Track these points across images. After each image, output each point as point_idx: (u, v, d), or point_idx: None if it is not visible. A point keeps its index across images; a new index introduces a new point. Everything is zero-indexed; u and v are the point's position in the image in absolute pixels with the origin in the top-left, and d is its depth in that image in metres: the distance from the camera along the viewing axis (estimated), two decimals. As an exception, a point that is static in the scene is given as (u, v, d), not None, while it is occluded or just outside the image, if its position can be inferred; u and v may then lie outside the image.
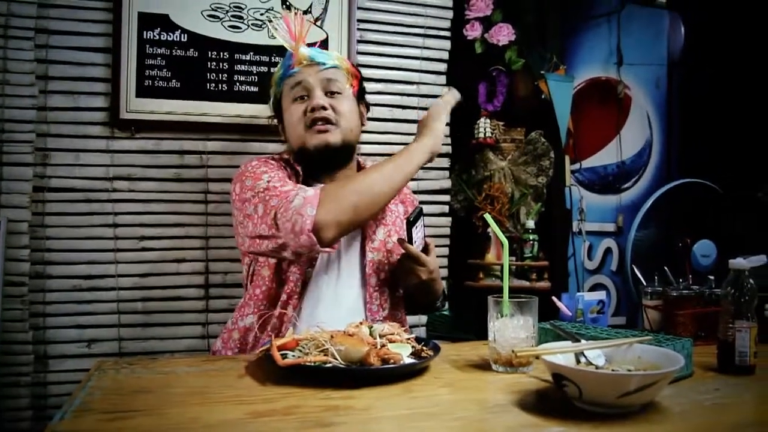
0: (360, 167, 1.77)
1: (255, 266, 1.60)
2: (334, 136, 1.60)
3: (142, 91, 2.12)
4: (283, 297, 1.53)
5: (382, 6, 2.44)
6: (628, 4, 2.86)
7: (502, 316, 1.22)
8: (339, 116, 1.61)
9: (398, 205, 1.78)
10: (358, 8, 2.36)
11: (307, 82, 1.62)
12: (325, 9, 2.31)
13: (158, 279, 2.17)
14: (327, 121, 1.59)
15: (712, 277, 1.63)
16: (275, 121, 1.79)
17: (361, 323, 1.27)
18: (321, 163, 1.64)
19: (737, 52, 2.99)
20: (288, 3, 2.28)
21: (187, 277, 2.20)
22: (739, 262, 1.29)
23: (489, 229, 2.38)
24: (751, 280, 1.29)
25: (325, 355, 1.12)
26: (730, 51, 2.99)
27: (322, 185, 1.48)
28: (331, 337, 1.16)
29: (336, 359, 1.12)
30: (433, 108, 1.72)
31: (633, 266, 1.75)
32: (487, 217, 1.34)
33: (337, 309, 1.55)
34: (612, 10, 2.84)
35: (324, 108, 1.59)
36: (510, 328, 1.21)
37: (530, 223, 2.43)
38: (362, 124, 1.76)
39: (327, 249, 1.40)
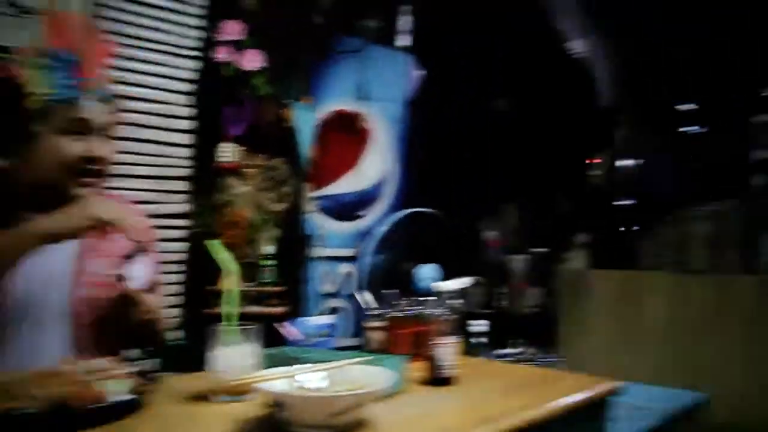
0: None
1: None
2: (97, 191, 1.42)
3: None
4: None
5: (127, 18, 2.31)
6: (372, 45, 3.08)
7: (224, 344, 1.21)
8: (106, 166, 1.43)
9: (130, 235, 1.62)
10: (100, 17, 2.20)
11: (93, 122, 1.37)
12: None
13: None
14: (98, 173, 1.41)
15: (430, 299, 1.81)
16: None
17: (66, 360, 1.15)
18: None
19: (466, 93, 3.40)
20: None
21: None
22: (444, 285, 1.45)
23: (216, 256, 2.33)
24: (456, 301, 1.45)
25: (16, 400, 0.99)
26: (459, 92, 3.39)
27: None
28: (26, 378, 1.03)
29: (33, 404, 0.99)
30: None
31: (363, 290, 1.86)
32: (211, 244, 1.31)
33: (39, 355, 1.35)
34: (357, 48, 3.03)
35: (102, 161, 1.40)
36: (232, 356, 1.20)
37: (269, 249, 2.45)
38: None
39: None
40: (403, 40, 3.32)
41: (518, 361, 2.51)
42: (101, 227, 1.30)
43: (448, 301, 1.44)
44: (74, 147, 1.35)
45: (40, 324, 1.38)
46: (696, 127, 3.05)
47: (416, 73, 3.34)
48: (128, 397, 1.10)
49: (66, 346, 1.41)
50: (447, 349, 1.40)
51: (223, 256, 1.31)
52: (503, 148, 3.51)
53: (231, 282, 1.26)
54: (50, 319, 1.40)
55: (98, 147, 1.38)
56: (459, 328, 1.44)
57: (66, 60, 1.38)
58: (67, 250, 1.41)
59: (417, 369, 1.46)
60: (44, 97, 1.33)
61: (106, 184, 1.45)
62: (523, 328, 2.91)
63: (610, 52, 3.33)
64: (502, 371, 1.64)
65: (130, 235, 1.41)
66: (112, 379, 1.14)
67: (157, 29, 2.40)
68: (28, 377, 1.04)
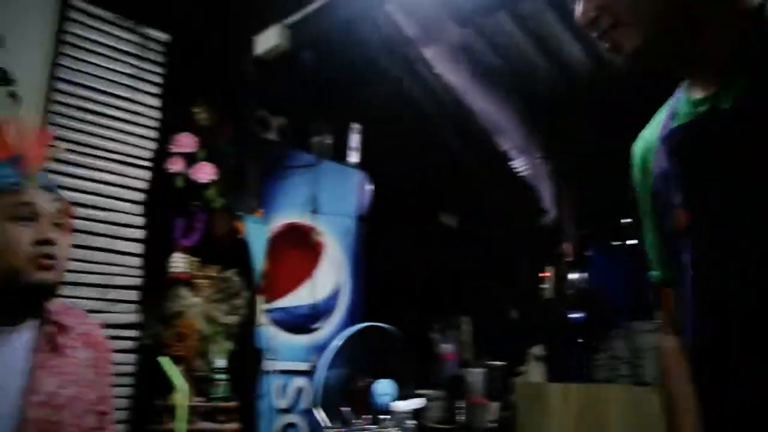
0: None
1: None
2: (55, 276, 1.38)
3: None
4: None
5: (80, 126, 2.32)
6: (325, 160, 3.16)
7: None
8: (61, 255, 1.40)
9: (83, 350, 1.49)
10: (53, 124, 2.20)
11: (40, 207, 1.38)
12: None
13: None
14: (52, 257, 1.37)
15: (388, 417, 1.74)
16: None
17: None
18: (17, 301, 1.37)
19: (415, 208, 3.48)
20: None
21: None
22: (399, 405, 1.40)
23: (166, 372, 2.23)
24: (412, 420, 1.40)
25: None
26: (410, 207, 3.48)
27: None
28: None
29: None
30: None
31: (316, 409, 1.78)
32: (163, 361, 1.25)
33: None
34: (310, 163, 3.10)
35: (54, 243, 1.37)
36: None
37: (221, 362, 2.35)
38: None
39: None
40: (354, 157, 3.42)
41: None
42: None
43: (404, 421, 1.38)
44: (25, 233, 1.34)
45: None
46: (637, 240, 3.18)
47: (367, 188, 3.41)
48: None
49: None
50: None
51: (173, 372, 1.25)
52: (454, 261, 3.56)
53: (181, 398, 1.19)
54: None
55: (49, 230, 1.37)
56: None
57: (8, 159, 1.40)
58: (18, 362, 1.34)
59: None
60: None
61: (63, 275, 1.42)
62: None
63: (550, 170, 3.50)
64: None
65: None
66: None
67: (110, 138, 2.40)
68: None
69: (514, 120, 3.38)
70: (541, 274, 3.51)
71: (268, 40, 2.80)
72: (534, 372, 3.12)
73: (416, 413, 1.41)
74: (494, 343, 3.40)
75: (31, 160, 1.43)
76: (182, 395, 1.20)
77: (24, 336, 1.39)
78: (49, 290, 1.39)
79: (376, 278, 3.32)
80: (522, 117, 3.38)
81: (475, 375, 3.20)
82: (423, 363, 3.20)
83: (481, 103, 3.30)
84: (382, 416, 1.71)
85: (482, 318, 3.53)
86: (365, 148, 3.44)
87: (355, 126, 3.42)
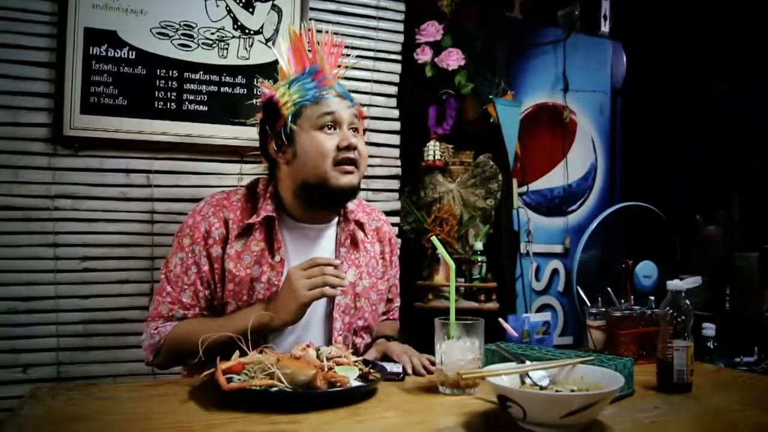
0: (356, 223, 1.66)
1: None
2: (355, 178, 1.52)
3: (87, 108, 2.07)
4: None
5: (333, 29, 2.44)
6: (573, 33, 2.96)
7: (448, 338, 1.23)
8: (361, 159, 1.53)
9: (375, 245, 1.70)
10: (309, 30, 2.37)
11: (340, 115, 1.51)
12: (277, 30, 2.32)
13: (100, 301, 2.10)
14: (354, 162, 1.51)
15: (652, 298, 1.68)
16: (275, 143, 1.55)
17: (307, 346, 1.25)
18: (326, 203, 1.55)
19: (677, 79, 3.12)
20: (239, 23, 2.27)
21: (130, 298, 2.14)
22: (675, 284, 1.34)
23: (438, 251, 2.40)
24: (687, 301, 1.33)
25: (271, 378, 1.11)
26: (671, 78, 3.13)
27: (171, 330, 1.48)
28: (278, 360, 1.15)
29: (282, 383, 1.10)
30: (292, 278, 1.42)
31: (578, 287, 1.79)
32: (435, 239, 1.35)
33: (307, 324, 1.51)
34: (558, 38, 2.93)
35: (355, 148, 1.51)
36: (457, 350, 1.22)
37: (478, 245, 2.46)
38: None
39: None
40: (606, 26, 3.14)
41: (753, 371, 2.24)
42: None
43: (677, 302, 1.32)
44: (330, 139, 1.49)
45: (303, 326, 1.52)
46: None
47: (622, 60, 3.14)
48: (361, 383, 1.17)
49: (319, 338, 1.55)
50: (680, 353, 1.29)
51: (444, 252, 1.34)
52: (723, 134, 3.16)
53: (449, 277, 1.28)
54: (312, 322, 1.54)
55: (351, 136, 1.51)
56: (689, 332, 1.32)
57: (306, 70, 1.57)
58: (327, 255, 1.58)
59: (644, 372, 1.37)
60: (295, 102, 1.51)
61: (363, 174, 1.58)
62: (757, 335, 2.60)
63: None
64: (738, 381, 1.48)
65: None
66: (344, 366, 1.22)
67: (363, 37, 2.52)
68: (281, 360, 1.15)
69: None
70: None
71: None
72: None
73: (688, 294, 1.33)
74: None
75: (327, 69, 1.58)
76: (451, 274, 1.29)
77: (330, 232, 1.61)
78: (353, 192, 1.54)
79: (634, 156, 3.12)
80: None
81: (749, 259, 2.90)
82: (687, 245, 2.98)
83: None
84: (650, 297, 1.65)
85: (755, 196, 3.13)
86: (618, 15, 3.14)
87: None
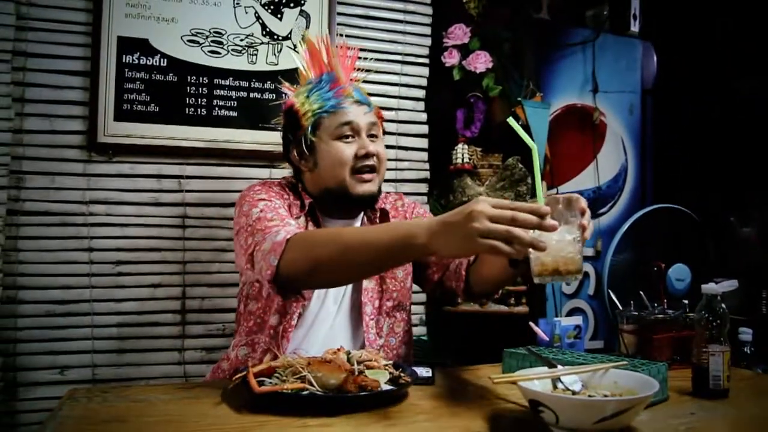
0: (381, 211, 1.67)
1: (249, 291, 1.56)
2: (374, 185, 1.56)
3: (121, 115, 2.12)
4: (275, 326, 1.50)
5: (361, 33, 2.47)
6: (603, 34, 2.93)
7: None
8: (380, 163, 1.57)
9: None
10: (338, 35, 2.38)
11: (357, 123, 1.54)
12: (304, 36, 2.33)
13: (134, 304, 2.15)
14: (372, 168, 1.55)
15: (686, 302, 1.66)
16: (296, 151, 1.58)
17: (338, 350, 1.26)
18: (349, 207, 1.60)
19: (708, 78, 3.07)
20: (268, 29, 2.30)
21: (163, 302, 2.17)
22: (711, 287, 1.31)
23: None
24: (723, 305, 1.30)
25: (302, 382, 1.12)
26: (701, 77, 3.07)
27: (298, 231, 1.36)
28: (308, 363, 1.16)
29: (313, 386, 1.11)
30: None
31: (609, 291, 1.77)
32: (511, 121, 1.26)
33: (332, 339, 1.51)
34: (587, 38, 2.90)
35: (374, 155, 1.54)
36: (555, 232, 1.06)
37: (508, 248, 2.44)
38: None
39: (293, 298, 1.42)
40: (636, 26, 3.09)
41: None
42: None
43: (713, 305, 1.30)
44: (348, 148, 1.53)
45: (333, 311, 1.56)
46: None
47: (652, 59, 3.09)
48: (392, 387, 1.18)
49: (352, 335, 1.56)
50: (716, 358, 1.27)
51: (522, 132, 1.29)
52: (756, 133, 3.09)
53: (534, 158, 1.22)
54: (342, 307, 1.57)
55: (369, 144, 1.54)
56: (725, 336, 1.29)
57: (323, 78, 1.60)
58: None
59: (678, 377, 1.35)
60: (314, 112, 1.54)
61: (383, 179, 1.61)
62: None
63: None
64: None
65: None
66: (374, 369, 1.23)
67: (390, 41, 2.53)
68: (311, 363, 1.15)
69: None
70: None
71: None
72: None
73: (724, 297, 1.31)
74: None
75: (343, 78, 1.60)
76: (534, 154, 1.20)
77: (357, 223, 1.64)
78: (372, 198, 1.58)
79: (665, 157, 3.06)
80: None
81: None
82: (720, 247, 2.92)
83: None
84: (684, 300, 1.63)
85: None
86: (648, 14, 3.09)
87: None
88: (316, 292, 1.54)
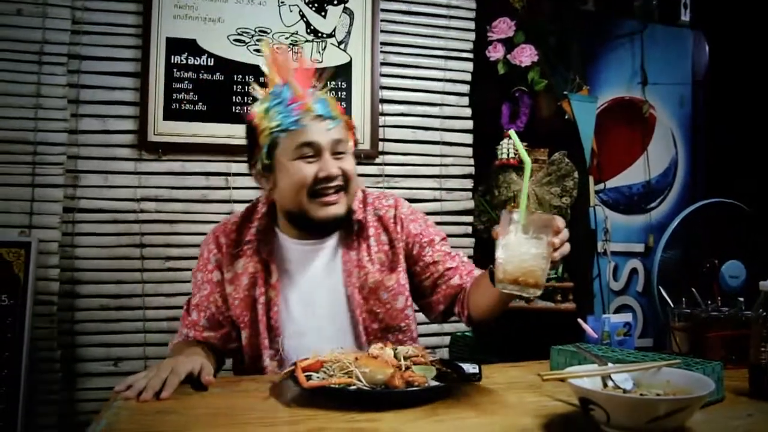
0: (358, 224, 1.54)
1: None
2: (340, 207, 1.44)
3: (170, 115, 2.17)
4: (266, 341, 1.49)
5: (404, 29, 2.47)
6: (651, 24, 2.85)
7: (516, 231, 1.12)
8: (348, 180, 1.44)
9: (381, 235, 1.56)
10: (382, 31, 2.39)
11: (318, 143, 1.40)
12: (349, 32, 2.35)
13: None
14: (337, 189, 1.42)
15: (741, 299, 1.60)
16: (254, 169, 1.48)
17: (384, 345, 1.26)
18: (313, 231, 1.49)
19: (762, 68, 2.96)
20: (312, 27, 2.32)
21: (211, 297, 2.21)
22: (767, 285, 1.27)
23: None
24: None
25: (349, 377, 1.12)
26: (756, 68, 2.97)
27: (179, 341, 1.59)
28: (356, 359, 1.16)
29: (360, 381, 1.11)
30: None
31: (660, 287, 1.72)
32: (512, 133, 1.26)
33: (321, 341, 1.41)
34: (635, 30, 2.84)
35: (337, 176, 1.41)
36: (522, 242, 1.10)
37: (555, 244, 2.41)
38: None
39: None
40: (687, 15, 3.00)
41: None
42: None
43: (770, 303, 1.25)
44: (308, 168, 1.40)
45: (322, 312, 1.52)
46: None
47: (704, 49, 3.00)
48: (439, 383, 1.17)
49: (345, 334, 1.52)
50: (774, 357, 1.22)
51: (520, 146, 1.26)
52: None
53: (525, 175, 1.21)
54: (329, 307, 1.53)
55: (331, 164, 1.41)
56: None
57: (284, 90, 1.43)
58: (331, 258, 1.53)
59: (734, 377, 1.31)
60: (271, 130, 1.41)
61: (351, 197, 1.47)
62: None
63: None
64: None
65: None
66: (421, 365, 1.22)
67: (434, 36, 2.52)
68: (359, 359, 1.16)
69: None
70: None
71: None
72: None
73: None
74: None
75: (300, 92, 1.43)
76: (526, 170, 1.20)
77: (330, 242, 1.54)
78: (337, 221, 1.45)
79: (718, 150, 2.97)
80: None
81: None
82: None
83: None
84: (740, 298, 1.57)
85: None
86: (699, 3, 3.00)
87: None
88: (308, 324, 1.50)
